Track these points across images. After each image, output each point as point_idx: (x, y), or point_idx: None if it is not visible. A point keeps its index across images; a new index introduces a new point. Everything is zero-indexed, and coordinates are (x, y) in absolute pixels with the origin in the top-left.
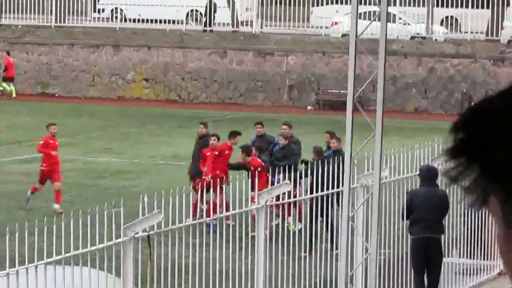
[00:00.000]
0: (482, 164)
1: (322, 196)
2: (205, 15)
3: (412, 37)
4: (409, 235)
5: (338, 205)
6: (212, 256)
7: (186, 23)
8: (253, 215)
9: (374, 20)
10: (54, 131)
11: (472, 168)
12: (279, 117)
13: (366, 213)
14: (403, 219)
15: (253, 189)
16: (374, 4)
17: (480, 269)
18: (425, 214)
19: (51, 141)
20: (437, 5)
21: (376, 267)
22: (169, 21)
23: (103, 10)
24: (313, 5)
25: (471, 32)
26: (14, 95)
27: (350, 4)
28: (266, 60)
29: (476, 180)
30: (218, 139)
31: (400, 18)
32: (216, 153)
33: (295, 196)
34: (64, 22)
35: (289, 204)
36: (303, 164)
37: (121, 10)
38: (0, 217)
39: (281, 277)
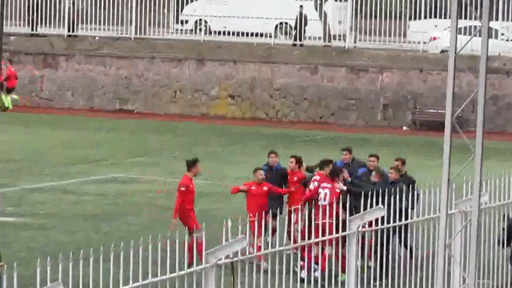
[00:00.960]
0: None
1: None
2: (295, 28)
3: None
4: (509, 264)
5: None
6: (300, 284)
7: (275, 37)
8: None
9: (475, 35)
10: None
11: None
12: (372, 138)
13: (464, 240)
14: (503, 246)
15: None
16: (475, 19)
17: None
18: None
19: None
20: None
21: None
22: (256, 34)
23: (186, 22)
24: (410, 19)
25: None
26: (9, 107)
27: (449, 18)
28: (359, 76)
29: None
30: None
31: (502, 34)
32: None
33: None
34: (145, 34)
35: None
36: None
37: (206, 21)
38: (76, 240)
39: None
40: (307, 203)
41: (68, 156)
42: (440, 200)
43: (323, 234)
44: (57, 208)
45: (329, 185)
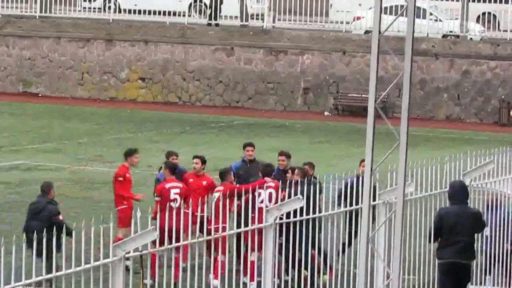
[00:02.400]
0: None
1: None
2: (210, 6)
3: (444, 36)
4: (437, 259)
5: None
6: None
7: (189, 16)
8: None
9: (401, 15)
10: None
11: None
12: (292, 123)
13: (388, 234)
14: (430, 241)
15: None
16: None
17: None
18: (456, 236)
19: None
20: (473, 0)
21: None
22: (169, 13)
23: (94, 0)
24: None
25: (511, 31)
26: None
27: None
28: (278, 58)
29: None
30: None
31: (430, 14)
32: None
33: None
34: (50, 12)
35: None
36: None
37: None
38: None
39: None
40: None
41: None
42: (363, 191)
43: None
44: None
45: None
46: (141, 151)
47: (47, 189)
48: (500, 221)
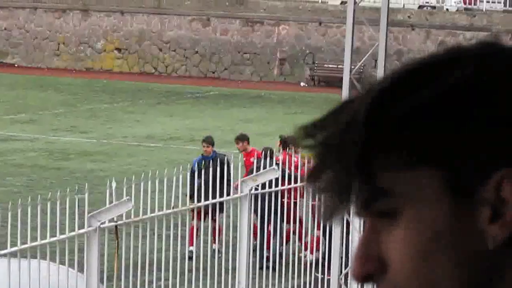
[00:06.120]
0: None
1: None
2: None
3: (420, 6)
4: None
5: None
6: (188, 250)
7: None
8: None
9: None
10: None
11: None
12: (268, 94)
13: None
14: None
15: None
16: None
17: None
18: None
19: None
20: None
21: None
22: None
23: None
24: None
25: (487, 2)
26: None
27: None
28: (254, 29)
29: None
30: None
31: None
32: None
33: None
34: None
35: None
36: None
37: None
38: None
39: (266, 273)
40: None
41: None
42: None
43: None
44: None
45: None
46: (114, 122)
47: None
48: None
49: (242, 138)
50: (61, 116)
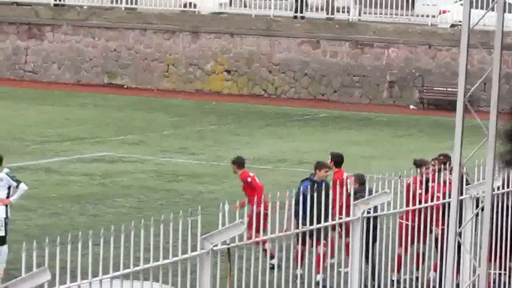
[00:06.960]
0: None
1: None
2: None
3: None
4: None
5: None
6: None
7: (275, 8)
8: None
9: (491, 9)
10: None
11: None
12: (377, 116)
13: (476, 228)
14: None
15: None
16: None
17: None
18: None
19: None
20: None
21: None
22: (255, 5)
23: None
24: None
25: None
26: None
27: None
28: (364, 52)
29: None
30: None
31: None
32: None
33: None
34: (136, 3)
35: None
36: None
37: None
38: (60, 223)
39: None
40: None
41: (52, 133)
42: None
43: None
44: (39, 188)
45: None
46: (222, 144)
47: None
48: None
49: (234, 162)
50: (170, 138)
